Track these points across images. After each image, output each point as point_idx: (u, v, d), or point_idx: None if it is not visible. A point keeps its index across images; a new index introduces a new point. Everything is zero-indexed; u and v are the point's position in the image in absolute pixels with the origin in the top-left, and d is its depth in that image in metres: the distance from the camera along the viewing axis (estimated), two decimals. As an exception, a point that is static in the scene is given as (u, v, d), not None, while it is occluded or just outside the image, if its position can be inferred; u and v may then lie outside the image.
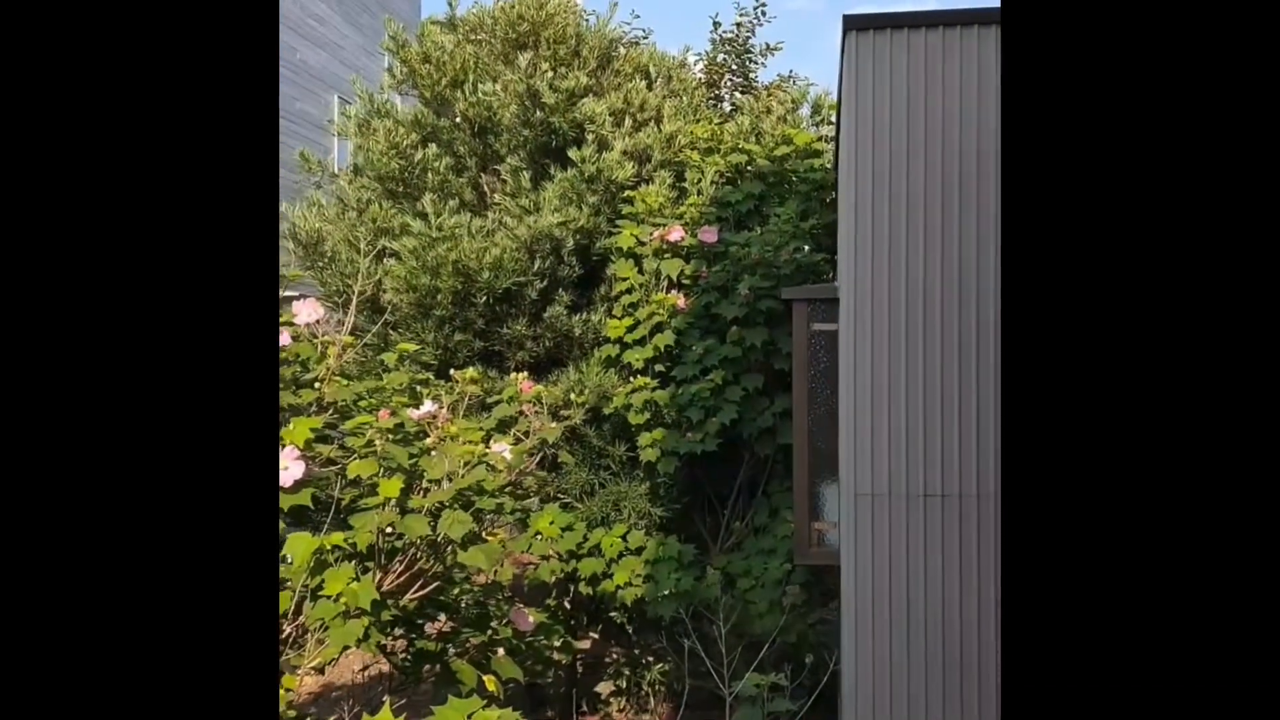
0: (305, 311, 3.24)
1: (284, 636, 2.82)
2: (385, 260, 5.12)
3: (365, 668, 5.31)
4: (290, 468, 2.73)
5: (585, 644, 5.35)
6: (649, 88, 5.72)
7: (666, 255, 4.98)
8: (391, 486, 2.87)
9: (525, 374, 4.26)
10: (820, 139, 5.59)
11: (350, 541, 2.80)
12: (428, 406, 3.20)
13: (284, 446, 2.74)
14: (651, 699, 4.96)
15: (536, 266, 5.01)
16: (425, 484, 2.99)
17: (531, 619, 3.47)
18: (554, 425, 3.72)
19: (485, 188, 5.49)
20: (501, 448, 3.24)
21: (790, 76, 7.41)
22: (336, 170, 5.95)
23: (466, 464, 3.01)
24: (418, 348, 4.23)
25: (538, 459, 3.68)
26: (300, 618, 2.78)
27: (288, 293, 3.58)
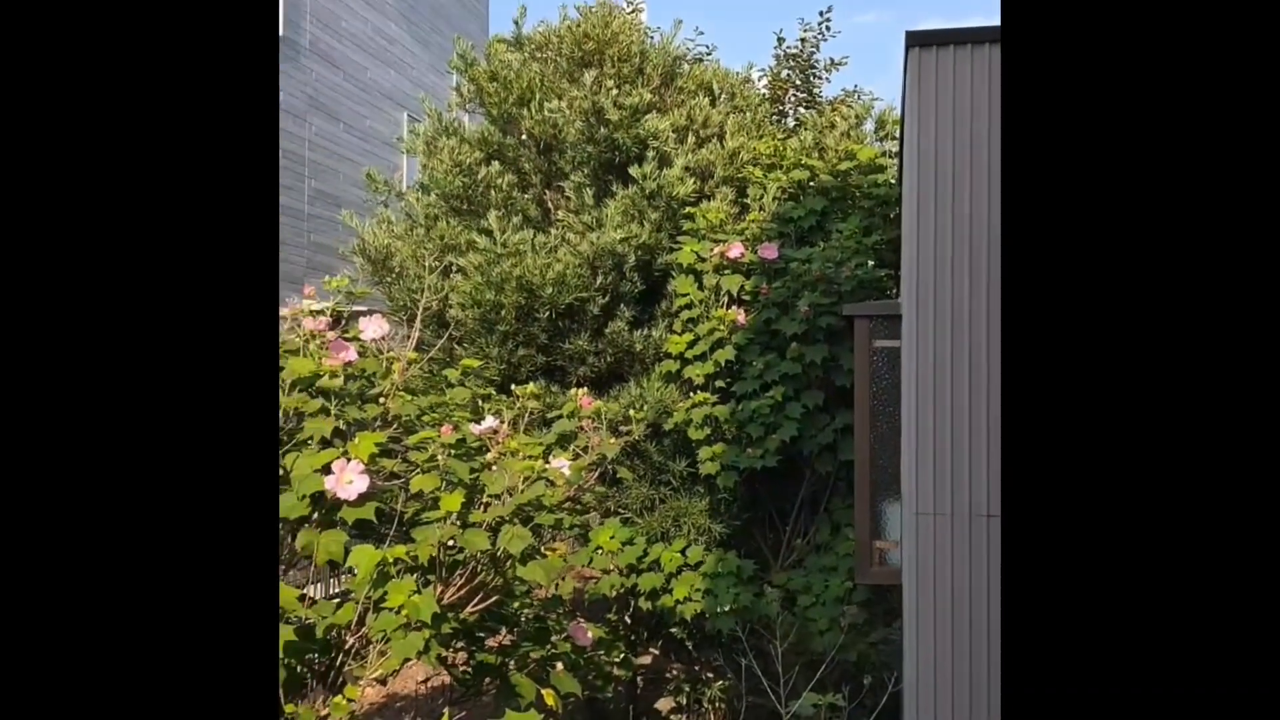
0: (371, 327, 3.31)
1: (347, 647, 2.88)
2: (451, 276, 5.21)
3: (427, 679, 5.38)
4: (355, 481, 2.78)
5: (645, 659, 5.36)
6: (712, 104, 5.74)
7: (727, 271, 4.98)
8: (453, 501, 2.92)
9: (585, 389, 4.29)
10: (884, 154, 5.55)
11: (412, 554, 2.84)
12: (489, 421, 3.24)
13: (349, 460, 2.80)
14: (711, 715, 4.95)
15: (598, 282, 5.05)
16: (486, 499, 3.03)
17: (590, 634, 3.49)
18: (613, 441, 3.74)
19: (550, 204, 5.56)
20: (561, 463, 3.27)
21: (855, 91, 7.37)
22: (405, 187, 6.07)
23: (526, 479, 3.05)
24: (480, 364, 4.29)
25: (597, 474, 3.71)
26: (363, 629, 2.83)
27: (356, 308, 3.65)
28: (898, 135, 5.72)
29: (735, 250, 4.96)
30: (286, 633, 2.60)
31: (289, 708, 2.64)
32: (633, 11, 7.07)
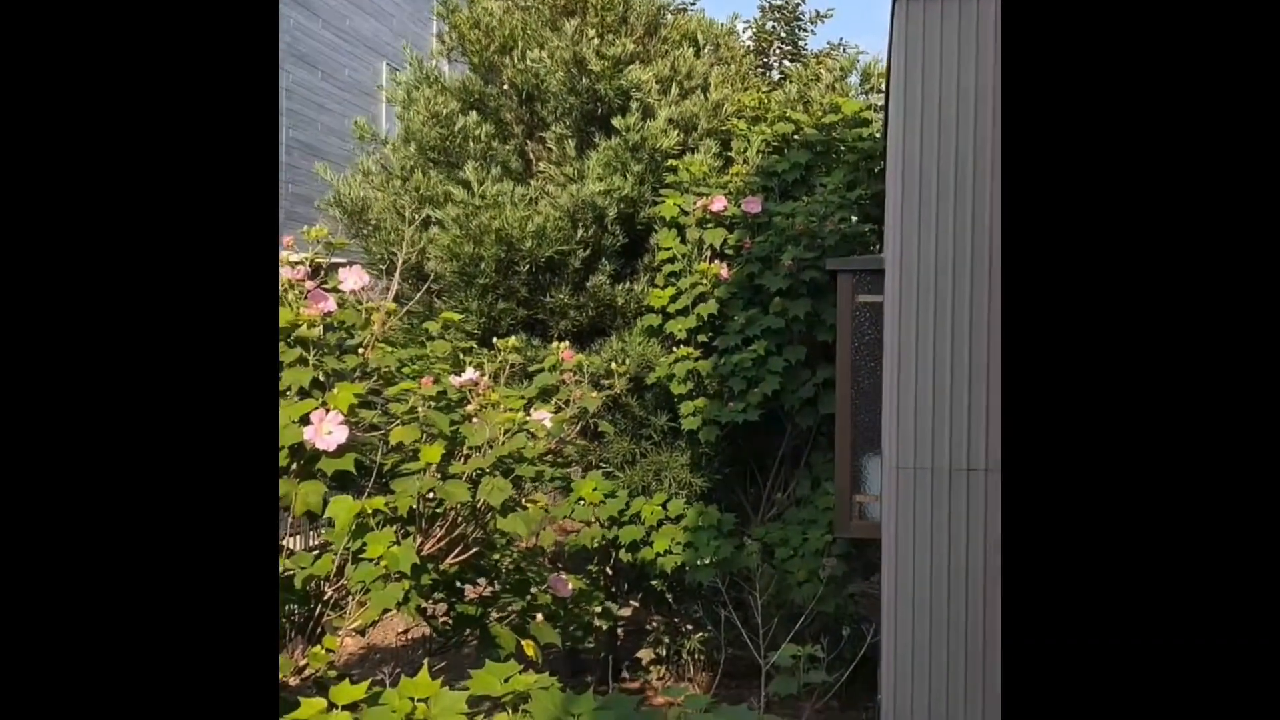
0: (351, 278, 3.26)
1: (326, 598, 2.87)
2: (430, 228, 5.15)
3: (406, 631, 5.40)
4: (334, 432, 2.76)
5: (626, 611, 5.39)
6: (696, 55, 5.67)
7: (710, 225, 4.95)
8: (433, 452, 2.90)
9: (567, 343, 4.27)
10: (869, 107, 5.51)
11: (391, 506, 2.83)
12: (469, 374, 3.22)
13: (328, 411, 2.77)
14: (691, 667, 4.99)
15: (579, 235, 5.01)
16: (466, 450, 3.02)
17: (570, 585, 3.49)
18: (595, 394, 3.72)
19: (531, 155, 5.49)
20: (542, 416, 3.25)
21: (840, 44, 7.31)
22: (385, 137, 5.98)
23: (507, 431, 3.03)
24: (461, 317, 4.25)
25: (579, 427, 3.70)
26: (342, 580, 2.83)
27: (335, 259, 3.60)
28: (883, 89, 5.67)
29: (718, 204, 4.92)
30: (265, 583, 2.59)
31: (268, 658, 2.63)
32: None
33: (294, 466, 2.79)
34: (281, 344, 2.91)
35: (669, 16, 5.93)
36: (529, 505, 3.16)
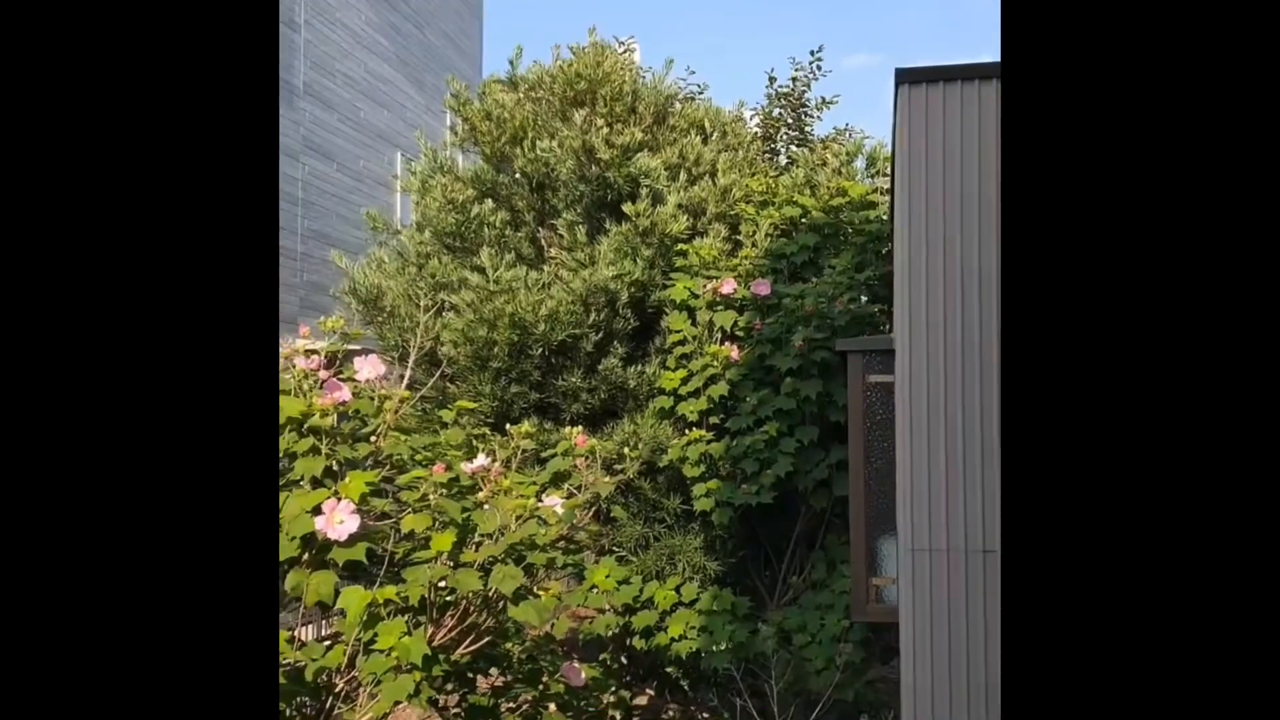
0: (366, 368, 3.29)
1: (337, 690, 2.83)
2: (443, 314, 5.21)
3: (419, 722, 5.30)
4: (346, 522, 2.75)
5: (641, 700, 5.29)
6: (704, 142, 5.78)
7: (720, 307, 4.99)
8: (444, 540, 2.89)
9: (580, 428, 4.27)
10: (876, 190, 5.58)
11: (402, 595, 2.81)
12: (480, 459, 3.22)
13: (340, 500, 2.77)
14: (708, 757, 4.88)
15: (591, 319, 5.05)
16: (478, 538, 3.00)
17: (583, 674, 3.44)
18: (608, 479, 3.71)
19: (543, 242, 5.57)
20: (554, 501, 3.25)
21: (846, 129, 7.43)
22: (399, 226, 6.08)
23: (519, 518, 3.02)
24: (476, 404, 4.27)
25: (592, 512, 3.68)
26: (353, 671, 2.80)
27: (350, 348, 3.64)
28: (889, 172, 5.75)
29: (728, 286, 4.97)
30: (275, 676, 2.56)
31: (278, 753, 2.59)
32: (625, 51, 7.13)
33: (305, 557, 2.78)
34: (294, 433, 2.93)
35: (677, 105, 6.06)
36: (541, 593, 3.13)
